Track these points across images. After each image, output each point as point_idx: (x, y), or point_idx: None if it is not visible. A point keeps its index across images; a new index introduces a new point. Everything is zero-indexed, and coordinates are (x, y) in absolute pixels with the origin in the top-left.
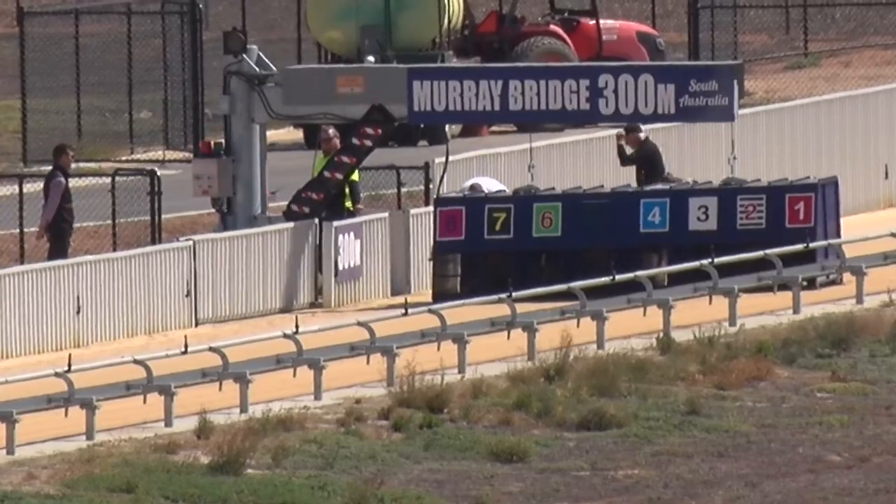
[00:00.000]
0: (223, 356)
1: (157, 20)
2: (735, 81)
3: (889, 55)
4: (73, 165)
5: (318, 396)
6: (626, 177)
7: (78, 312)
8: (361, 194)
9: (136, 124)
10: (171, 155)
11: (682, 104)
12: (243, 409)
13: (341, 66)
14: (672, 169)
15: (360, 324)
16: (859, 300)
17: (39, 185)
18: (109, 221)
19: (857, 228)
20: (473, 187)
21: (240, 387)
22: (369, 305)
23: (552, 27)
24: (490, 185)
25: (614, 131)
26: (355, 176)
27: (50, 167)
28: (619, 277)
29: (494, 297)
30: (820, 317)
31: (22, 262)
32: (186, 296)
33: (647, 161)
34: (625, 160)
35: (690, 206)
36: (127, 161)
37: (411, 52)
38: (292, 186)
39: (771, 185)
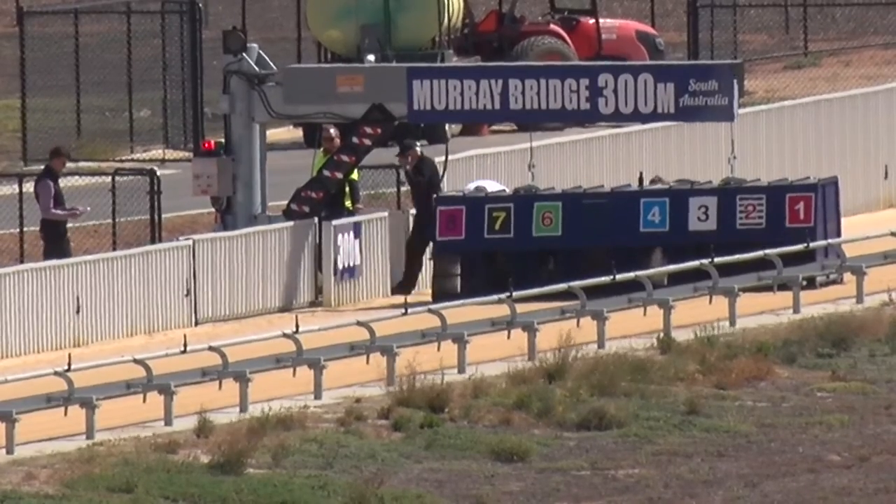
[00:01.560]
0: (223, 355)
1: (156, 19)
2: (735, 81)
3: (889, 55)
4: (73, 165)
5: (318, 396)
6: (627, 176)
7: (78, 312)
8: (361, 193)
9: (136, 123)
10: (170, 154)
11: (682, 104)
12: (243, 408)
13: (341, 65)
14: (672, 169)
15: (359, 323)
16: (859, 300)
17: None
18: (109, 221)
19: (857, 228)
20: (479, 189)
21: (240, 386)
22: (369, 305)
23: (552, 26)
24: (492, 187)
25: (615, 131)
26: (355, 175)
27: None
28: (619, 277)
29: (494, 296)
30: (820, 316)
31: (22, 262)
32: (186, 295)
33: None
34: (410, 178)
35: (690, 206)
36: (127, 160)
37: (411, 51)
38: (291, 185)
39: (771, 185)
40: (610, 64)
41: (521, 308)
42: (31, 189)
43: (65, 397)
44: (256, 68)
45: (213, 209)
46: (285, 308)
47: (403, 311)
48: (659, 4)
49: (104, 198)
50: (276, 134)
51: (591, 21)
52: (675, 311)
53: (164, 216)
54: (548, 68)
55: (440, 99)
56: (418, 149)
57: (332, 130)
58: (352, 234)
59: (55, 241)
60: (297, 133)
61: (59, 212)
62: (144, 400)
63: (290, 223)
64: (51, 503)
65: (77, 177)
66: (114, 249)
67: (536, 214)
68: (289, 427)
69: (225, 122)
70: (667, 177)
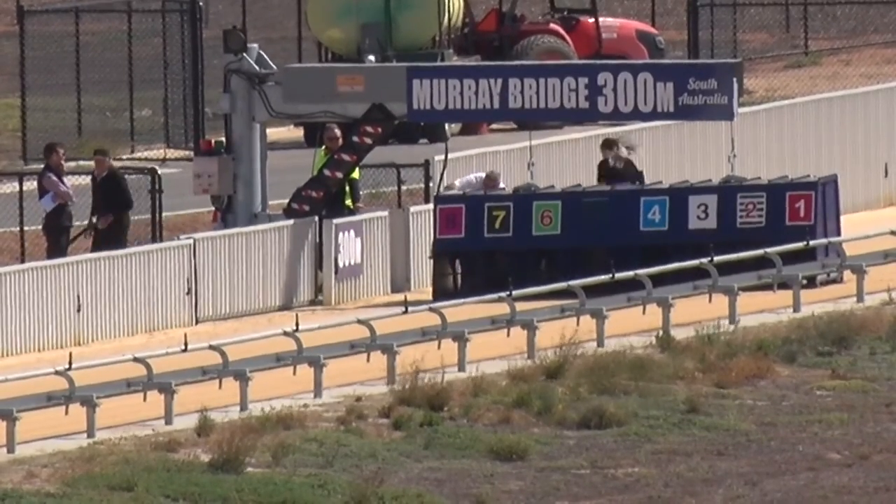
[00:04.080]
0: (223, 354)
1: (157, 18)
2: (734, 80)
3: (889, 53)
4: (74, 164)
5: (318, 394)
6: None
7: (78, 310)
8: (361, 192)
9: (137, 123)
10: (171, 153)
11: (681, 102)
12: (243, 406)
13: (341, 64)
14: (672, 168)
15: (360, 322)
16: (859, 298)
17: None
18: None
19: (857, 227)
20: (469, 182)
21: (240, 385)
22: (369, 303)
23: (552, 25)
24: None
25: (615, 130)
26: (355, 174)
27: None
28: (618, 275)
29: (494, 295)
30: (820, 315)
31: (23, 261)
32: (187, 294)
33: (111, 186)
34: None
35: (690, 205)
36: (128, 159)
37: (411, 50)
38: (292, 185)
39: (771, 184)
40: (609, 63)
41: (520, 306)
42: (31, 187)
43: (66, 396)
44: (257, 67)
45: (213, 208)
46: (286, 306)
47: (404, 309)
48: (659, 3)
49: None
50: (277, 133)
51: (591, 20)
52: (674, 310)
53: (164, 215)
54: (547, 67)
55: (440, 98)
56: (107, 160)
57: (337, 130)
58: (352, 232)
59: (57, 238)
60: (298, 132)
61: (66, 188)
62: (145, 399)
63: (291, 222)
64: (52, 502)
65: (78, 176)
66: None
67: (536, 213)
68: (289, 426)
69: (225, 121)
70: (666, 176)
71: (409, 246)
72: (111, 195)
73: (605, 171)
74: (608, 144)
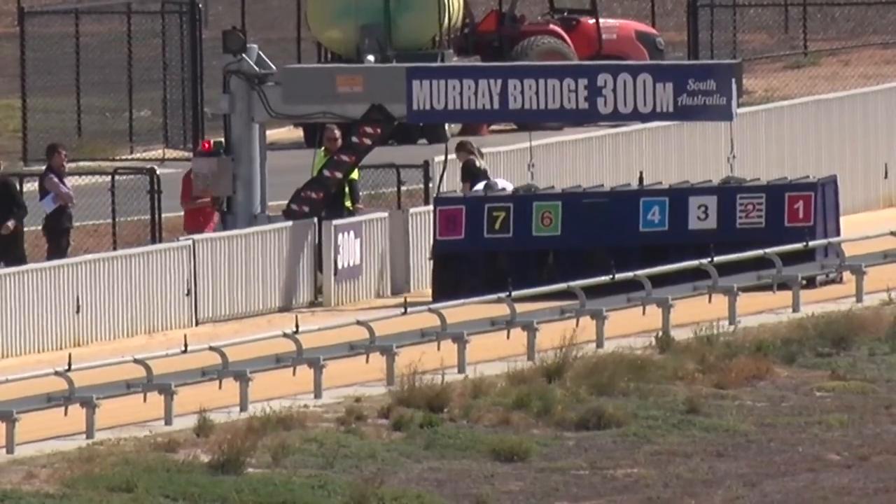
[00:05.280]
0: (223, 355)
1: (157, 19)
2: (733, 80)
3: (889, 54)
4: (73, 164)
5: (318, 395)
6: (627, 175)
7: (78, 311)
8: (361, 193)
9: (136, 123)
10: (170, 154)
11: (681, 103)
12: (243, 407)
13: (341, 65)
14: (672, 168)
15: (359, 323)
16: (859, 299)
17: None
18: (109, 220)
19: (857, 227)
20: (490, 186)
21: (240, 385)
22: (369, 305)
23: (552, 26)
24: (503, 184)
25: (614, 130)
26: (355, 175)
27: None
28: (618, 276)
29: (494, 296)
30: (819, 315)
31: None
32: (186, 295)
33: (1, 193)
34: None
35: (690, 205)
36: (127, 160)
37: (411, 51)
38: (291, 185)
39: (770, 184)
40: (608, 63)
41: (520, 308)
42: (31, 188)
43: (65, 397)
44: (256, 68)
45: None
46: (285, 308)
47: (403, 310)
48: (659, 4)
49: (104, 197)
50: (276, 134)
51: (592, 21)
52: (674, 311)
53: (164, 216)
54: (546, 68)
55: (439, 99)
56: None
57: (336, 131)
58: (352, 233)
59: (57, 239)
60: (298, 133)
61: (67, 189)
62: (145, 399)
63: (290, 223)
64: (51, 502)
65: (77, 176)
66: (114, 249)
67: (536, 214)
68: (289, 426)
69: (225, 121)
70: (666, 177)
71: (408, 247)
72: (1, 202)
73: (472, 171)
74: (467, 147)
